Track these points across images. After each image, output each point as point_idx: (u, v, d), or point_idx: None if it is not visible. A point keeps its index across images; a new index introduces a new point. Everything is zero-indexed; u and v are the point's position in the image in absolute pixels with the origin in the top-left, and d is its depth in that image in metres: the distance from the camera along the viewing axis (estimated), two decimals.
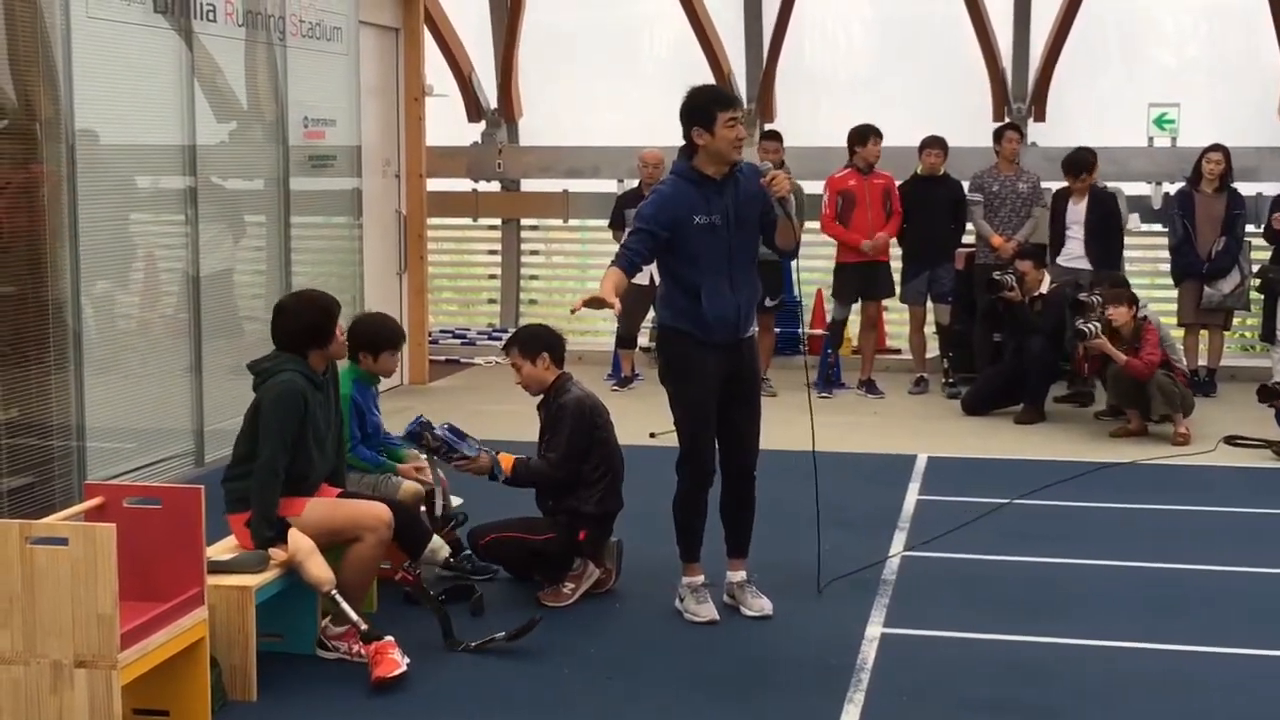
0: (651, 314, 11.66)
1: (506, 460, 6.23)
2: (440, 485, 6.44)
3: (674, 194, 5.81)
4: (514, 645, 5.62)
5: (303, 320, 5.63)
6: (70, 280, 7.43)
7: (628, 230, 6.09)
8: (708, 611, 6.01)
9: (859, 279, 11.04)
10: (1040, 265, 10.45)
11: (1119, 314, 9.51)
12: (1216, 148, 10.94)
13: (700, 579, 6.09)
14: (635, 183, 11.61)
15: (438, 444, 6.20)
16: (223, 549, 5.51)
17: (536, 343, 6.33)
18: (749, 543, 6.16)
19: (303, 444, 5.51)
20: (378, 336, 6.34)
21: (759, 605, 6.08)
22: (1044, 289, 10.30)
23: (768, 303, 11.08)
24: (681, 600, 6.09)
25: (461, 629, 5.71)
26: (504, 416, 9.21)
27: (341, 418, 5.92)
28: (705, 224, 5.76)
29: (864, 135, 10.90)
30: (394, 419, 9.59)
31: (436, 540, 6.04)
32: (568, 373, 6.38)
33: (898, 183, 11.19)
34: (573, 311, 5.88)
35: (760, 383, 6.25)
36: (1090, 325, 9.42)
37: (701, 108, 5.75)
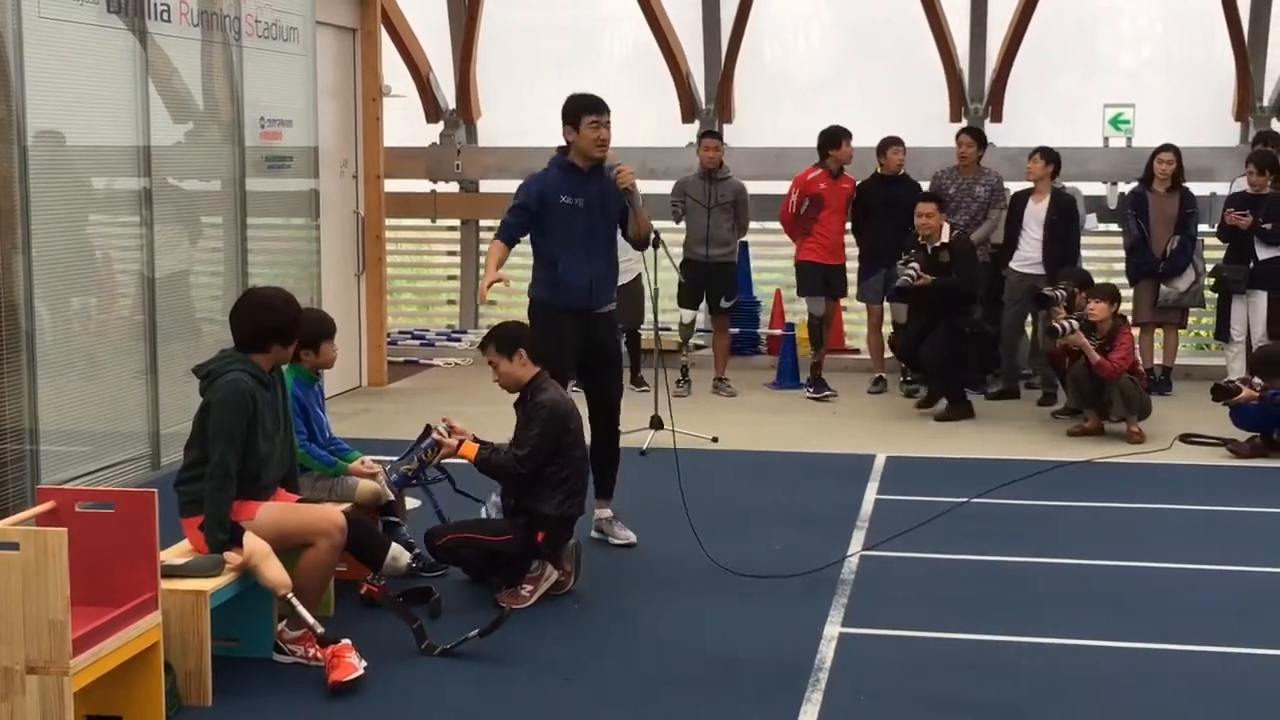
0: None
1: (470, 449, 6.26)
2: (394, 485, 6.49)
3: (546, 177, 6.85)
4: (483, 643, 5.59)
5: (282, 316, 5.59)
6: (23, 282, 7.35)
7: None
8: (625, 535, 7.03)
9: (822, 276, 11.05)
10: (942, 210, 10.41)
11: (1099, 310, 9.51)
12: (1167, 148, 10.99)
13: (607, 513, 7.09)
14: None
15: (417, 468, 6.44)
16: (177, 553, 5.46)
17: (513, 340, 6.34)
18: (614, 486, 7.03)
19: (252, 444, 5.47)
20: (313, 330, 6.23)
21: (624, 535, 6.98)
22: (945, 237, 10.28)
23: (723, 304, 11.09)
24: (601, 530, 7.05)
25: (427, 632, 5.68)
26: (463, 418, 9.12)
27: (290, 417, 5.87)
28: (569, 204, 6.73)
29: (837, 138, 10.84)
30: (354, 420, 9.58)
31: (396, 548, 6.00)
32: (544, 371, 6.37)
33: (857, 182, 11.20)
34: (482, 302, 6.90)
35: (617, 350, 7.10)
36: (1068, 322, 9.44)
37: (571, 111, 6.76)
